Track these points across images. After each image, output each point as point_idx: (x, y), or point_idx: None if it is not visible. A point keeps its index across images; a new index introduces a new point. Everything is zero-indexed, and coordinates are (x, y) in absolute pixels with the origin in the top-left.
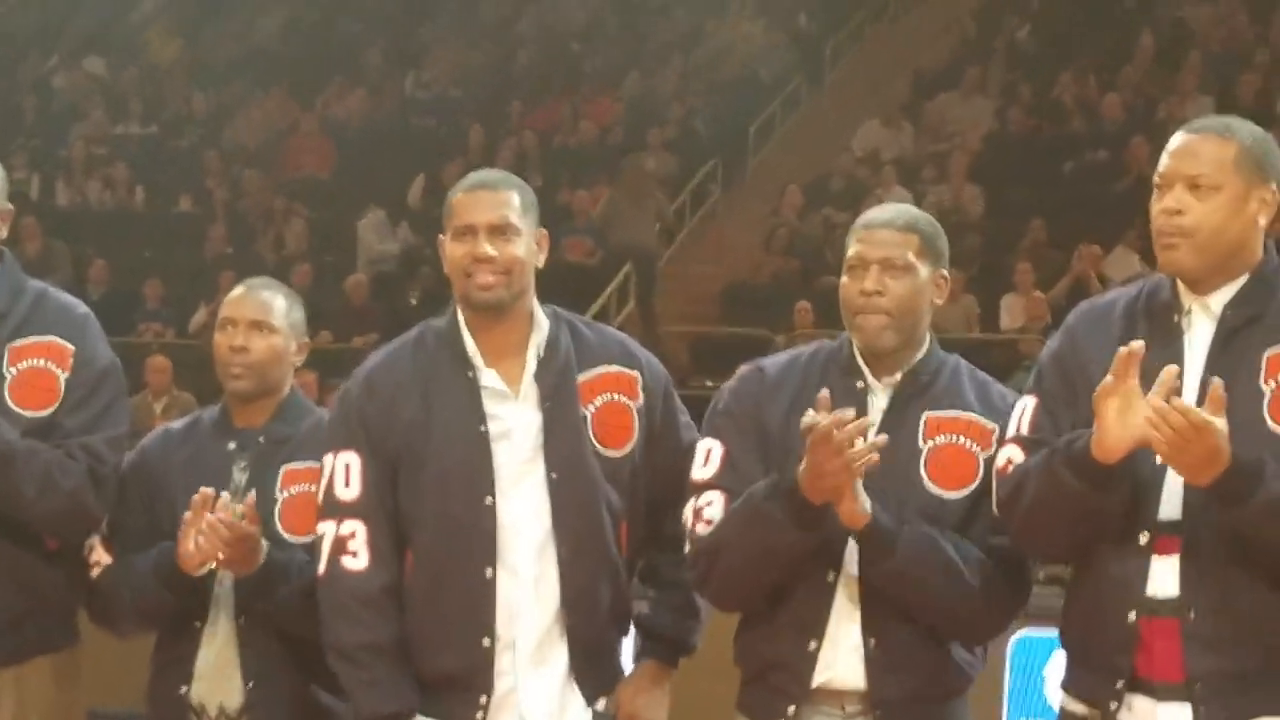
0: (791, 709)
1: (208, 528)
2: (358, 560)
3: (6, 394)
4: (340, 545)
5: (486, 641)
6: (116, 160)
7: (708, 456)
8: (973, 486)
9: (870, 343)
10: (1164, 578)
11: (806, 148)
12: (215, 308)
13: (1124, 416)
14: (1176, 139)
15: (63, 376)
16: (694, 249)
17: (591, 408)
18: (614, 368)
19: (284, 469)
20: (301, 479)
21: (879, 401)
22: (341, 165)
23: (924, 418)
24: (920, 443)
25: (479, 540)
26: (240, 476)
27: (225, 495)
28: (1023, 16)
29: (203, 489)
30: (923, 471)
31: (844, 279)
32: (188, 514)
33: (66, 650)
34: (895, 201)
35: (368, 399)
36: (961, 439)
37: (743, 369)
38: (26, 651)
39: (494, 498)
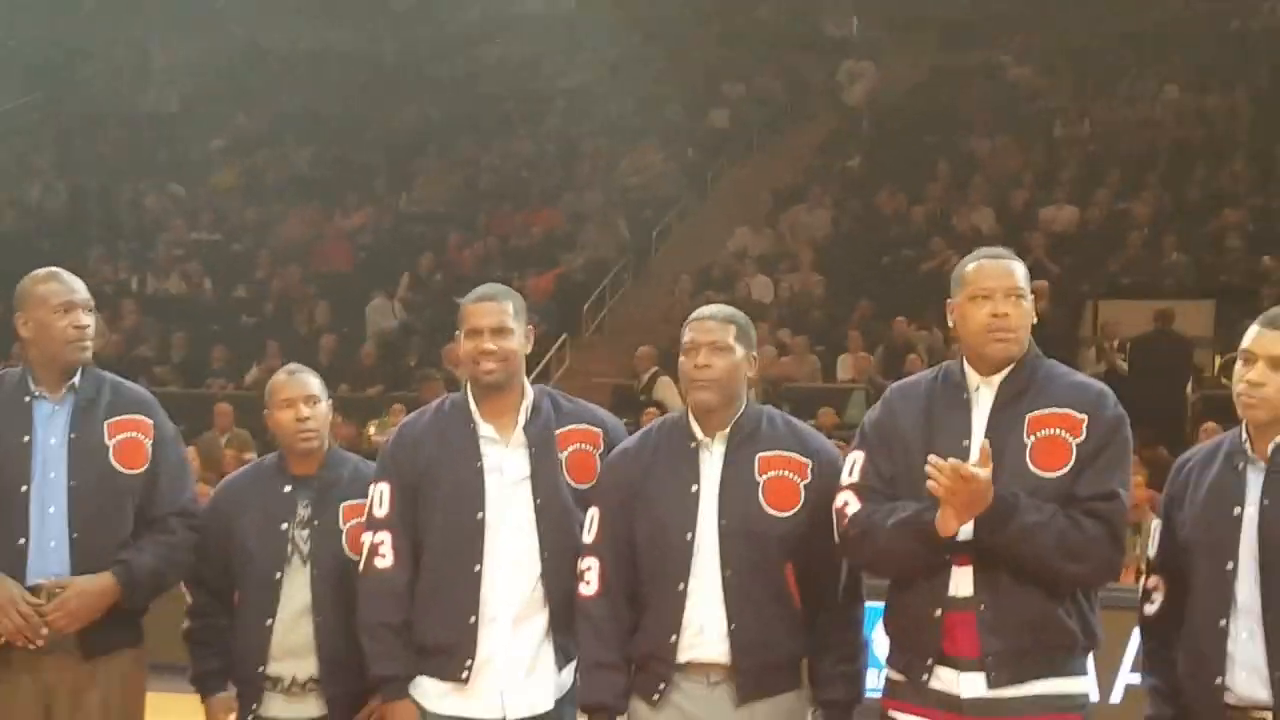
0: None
1: None
2: (385, 560)
3: (112, 458)
4: (374, 550)
5: (472, 618)
6: (191, 259)
7: (591, 522)
8: (797, 509)
9: (699, 405)
10: (962, 582)
11: (694, 247)
12: (266, 367)
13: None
14: (987, 263)
15: (149, 443)
16: (613, 322)
17: (565, 453)
18: (583, 425)
19: (343, 505)
20: (357, 513)
21: (718, 449)
22: (355, 262)
23: (756, 458)
24: (755, 476)
25: (470, 544)
26: (304, 511)
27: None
28: (852, 149)
29: None
30: (761, 498)
31: (682, 358)
32: None
33: (136, 646)
34: (758, 286)
35: (399, 445)
36: (785, 473)
37: (615, 450)
38: (111, 647)
39: (483, 513)
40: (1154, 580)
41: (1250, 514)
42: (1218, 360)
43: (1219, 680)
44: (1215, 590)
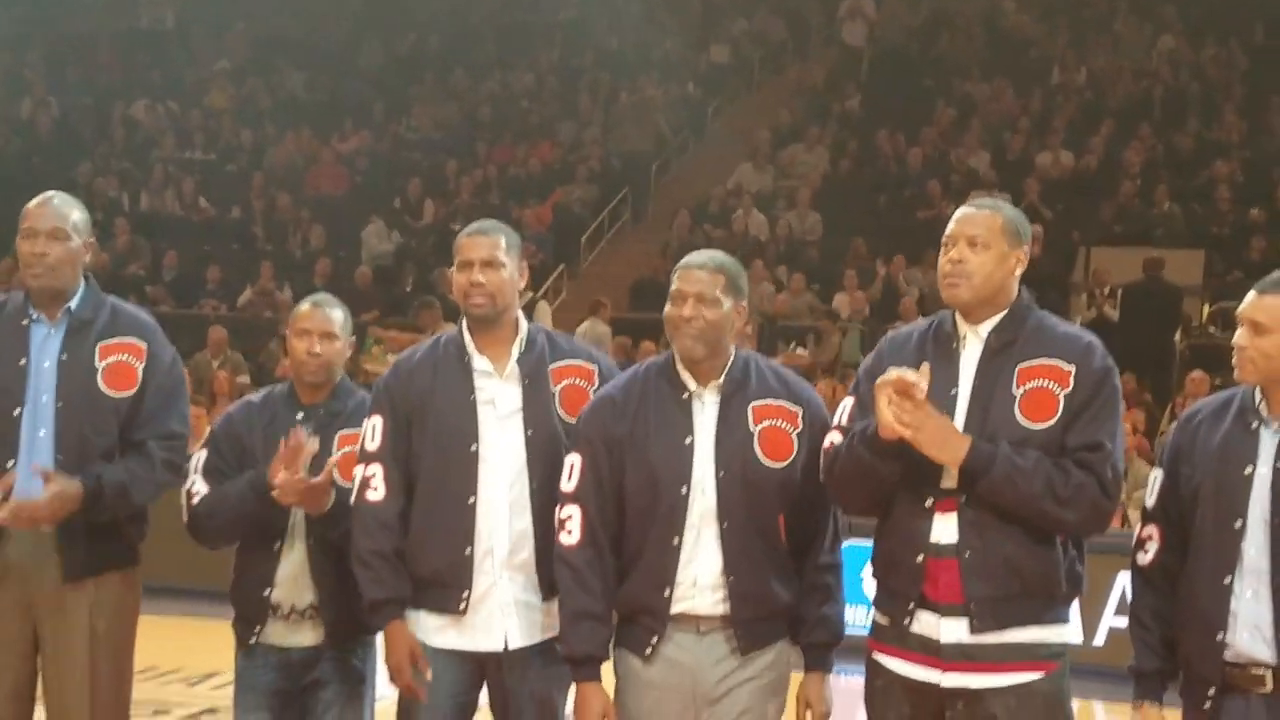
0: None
1: (285, 484)
2: (376, 493)
3: (100, 380)
4: (366, 482)
5: (468, 550)
6: (185, 178)
7: (571, 470)
8: (791, 459)
9: (684, 354)
10: (944, 529)
11: (692, 182)
12: (260, 289)
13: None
14: (959, 211)
15: (140, 367)
16: (611, 255)
17: (559, 387)
18: (578, 361)
19: (339, 434)
20: (351, 441)
21: (711, 400)
22: (350, 187)
23: (750, 408)
24: (750, 427)
25: (464, 476)
26: (310, 441)
27: (309, 441)
28: (852, 89)
29: (305, 439)
30: (757, 449)
31: (668, 306)
32: (281, 449)
33: (130, 568)
34: (755, 223)
35: (393, 378)
36: (779, 422)
37: (595, 398)
38: (102, 567)
39: (477, 445)
40: (1149, 530)
41: (1263, 473)
42: (1205, 309)
43: (1220, 636)
44: (1221, 547)
